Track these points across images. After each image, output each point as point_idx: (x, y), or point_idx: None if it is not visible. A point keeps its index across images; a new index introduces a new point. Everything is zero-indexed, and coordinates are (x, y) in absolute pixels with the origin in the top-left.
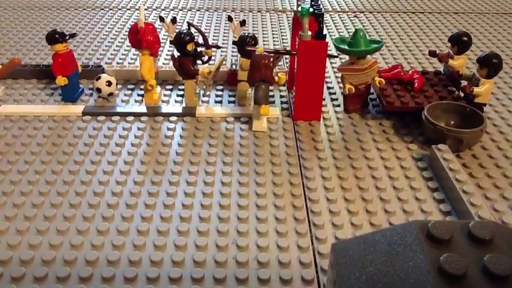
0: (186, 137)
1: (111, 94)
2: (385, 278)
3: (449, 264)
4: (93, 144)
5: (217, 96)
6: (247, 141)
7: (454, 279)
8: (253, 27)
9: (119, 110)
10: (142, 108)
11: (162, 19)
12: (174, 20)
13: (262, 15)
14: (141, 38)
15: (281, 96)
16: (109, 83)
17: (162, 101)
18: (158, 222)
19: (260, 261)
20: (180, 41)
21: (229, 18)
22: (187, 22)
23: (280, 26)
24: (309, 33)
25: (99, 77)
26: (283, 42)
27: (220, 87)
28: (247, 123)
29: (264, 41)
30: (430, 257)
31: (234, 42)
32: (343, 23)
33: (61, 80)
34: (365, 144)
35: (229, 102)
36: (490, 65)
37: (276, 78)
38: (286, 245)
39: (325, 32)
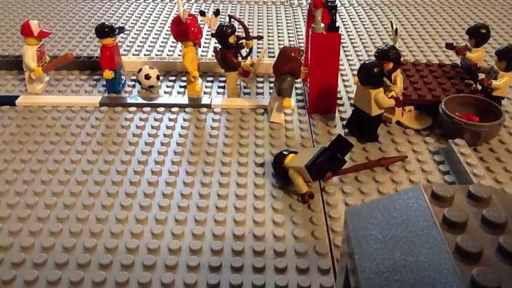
0: (202, 128)
1: (151, 87)
2: (401, 234)
3: (452, 216)
4: (110, 134)
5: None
6: (263, 133)
7: (456, 226)
8: (267, 20)
9: (133, 101)
10: (161, 100)
11: (202, 13)
12: (217, 12)
13: (276, 8)
14: (187, 30)
15: (296, 88)
16: (147, 76)
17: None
18: (176, 212)
19: (276, 250)
20: (222, 33)
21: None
22: (229, 15)
23: (295, 19)
24: (322, 25)
25: (140, 70)
26: (298, 36)
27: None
28: (262, 114)
29: (279, 34)
30: (435, 211)
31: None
32: (359, 17)
33: (108, 74)
34: (381, 137)
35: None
36: (510, 57)
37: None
38: (302, 235)
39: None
